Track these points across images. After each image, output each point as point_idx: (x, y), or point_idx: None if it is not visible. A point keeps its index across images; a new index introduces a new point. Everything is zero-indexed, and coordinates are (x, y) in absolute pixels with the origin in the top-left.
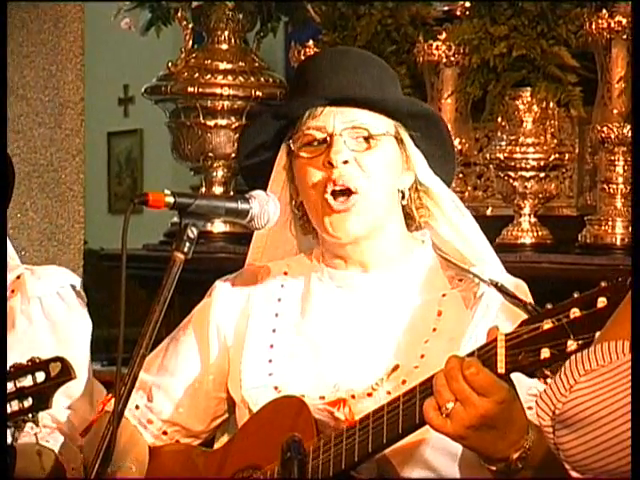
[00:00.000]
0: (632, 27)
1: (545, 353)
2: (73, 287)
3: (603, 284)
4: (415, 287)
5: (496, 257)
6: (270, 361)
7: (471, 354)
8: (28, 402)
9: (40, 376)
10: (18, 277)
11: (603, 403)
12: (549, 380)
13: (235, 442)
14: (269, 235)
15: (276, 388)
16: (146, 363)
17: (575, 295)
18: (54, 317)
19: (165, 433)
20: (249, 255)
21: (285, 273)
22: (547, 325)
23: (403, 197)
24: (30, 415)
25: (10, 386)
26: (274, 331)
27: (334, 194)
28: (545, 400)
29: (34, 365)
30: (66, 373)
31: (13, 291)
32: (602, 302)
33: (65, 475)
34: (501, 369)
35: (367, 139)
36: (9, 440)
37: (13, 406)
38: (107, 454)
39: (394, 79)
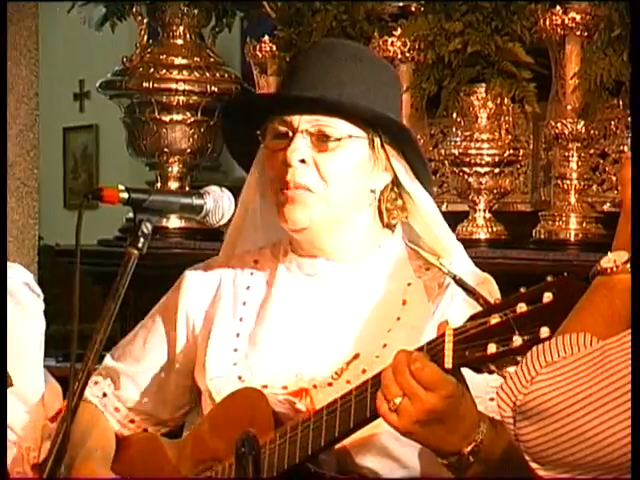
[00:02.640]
0: (632, 25)
1: (491, 348)
2: (26, 284)
3: (549, 279)
4: (381, 276)
5: (466, 254)
6: (235, 350)
7: (420, 349)
8: None
9: None
10: None
11: (564, 395)
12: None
13: (197, 433)
14: (244, 224)
15: (240, 378)
16: (115, 351)
17: (522, 290)
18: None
19: (132, 421)
20: (224, 244)
21: (255, 262)
22: (494, 320)
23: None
24: None
25: None
26: (241, 320)
27: (286, 188)
28: (506, 391)
29: None
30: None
31: None
32: (548, 297)
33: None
34: (448, 364)
35: (329, 140)
36: None
37: None
38: (61, 450)
39: (382, 81)
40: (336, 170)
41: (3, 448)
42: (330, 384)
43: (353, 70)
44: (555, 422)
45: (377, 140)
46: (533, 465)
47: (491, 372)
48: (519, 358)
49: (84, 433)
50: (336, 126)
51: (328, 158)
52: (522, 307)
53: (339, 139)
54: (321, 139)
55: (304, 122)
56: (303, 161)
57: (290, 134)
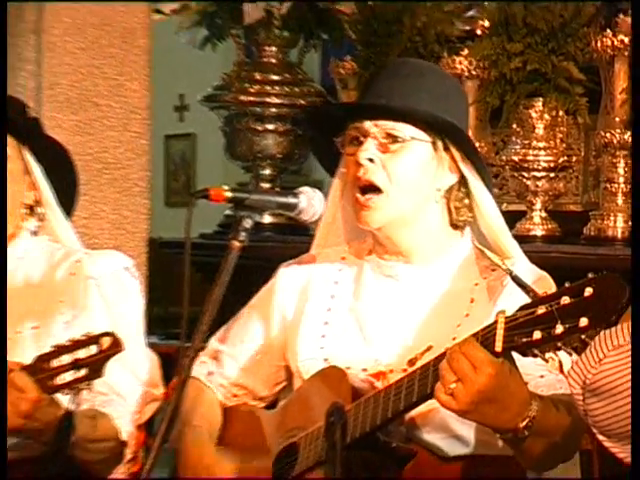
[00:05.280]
0: (632, 25)
1: (537, 335)
2: (126, 268)
3: (590, 275)
4: (452, 277)
5: (522, 254)
6: (323, 336)
7: (475, 334)
8: (83, 372)
9: (93, 349)
10: (77, 261)
11: (629, 376)
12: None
13: (288, 406)
14: (332, 224)
15: (326, 360)
16: (219, 335)
17: (566, 284)
18: (108, 297)
19: (235, 396)
20: (315, 241)
21: (343, 258)
22: (541, 310)
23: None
24: (85, 383)
25: (67, 358)
26: (329, 310)
27: (363, 191)
28: (576, 371)
29: (88, 339)
30: (116, 346)
31: (73, 273)
32: (588, 292)
33: (119, 437)
34: (498, 347)
35: (395, 142)
36: (69, 406)
37: (69, 376)
38: (172, 419)
39: (447, 93)
40: (400, 169)
41: (3, 447)
42: (405, 370)
43: (418, 83)
44: (620, 400)
45: (440, 143)
46: (600, 437)
47: (535, 356)
48: (559, 344)
49: (191, 409)
50: (401, 129)
51: (393, 158)
52: (565, 300)
53: (403, 141)
54: (387, 141)
55: (373, 127)
56: (372, 160)
57: (362, 139)
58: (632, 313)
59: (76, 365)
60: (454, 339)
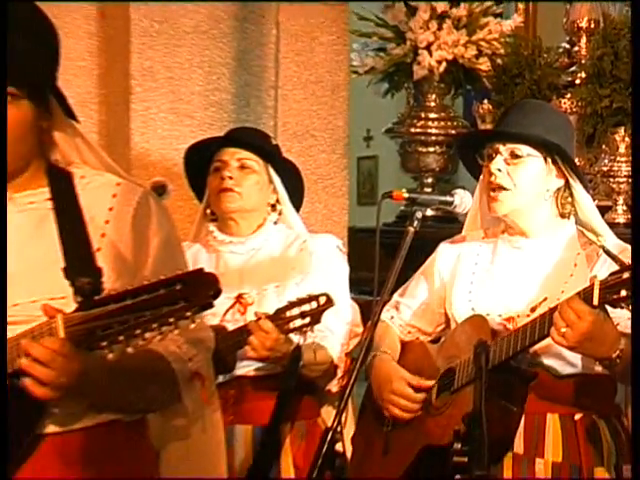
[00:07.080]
0: (632, 26)
1: (623, 293)
2: (337, 246)
3: None
4: (561, 248)
5: (611, 232)
6: (470, 292)
7: (578, 293)
8: (307, 320)
9: (313, 304)
10: (304, 241)
11: None
12: None
13: (447, 341)
14: (476, 215)
15: (472, 309)
16: (400, 291)
17: None
18: (325, 265)
19: (409, 332)
20: (465, 226)
21: (482, 237)
22: (626, 275)
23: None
24: (309, 328)
25: (296, 311)
26: (473, 273)
27: (493, 190)
28: None
29: (310, 298)
30: (329, 302)
31: (302, 249)
32: None
33: (333, 361)
34: (595, 302)
35: (516, 157)
36: (299, 342)
37: (297, 323)
38: (367, 349)
39: (557, 124)
40: (520, 175)
41: (3, 446)
42: (528, 315)
43: (535, 116)
44: None
45: (549, 158)
46: None
47: (622, 308)
48: None
49: (380, 340)
50: (521, 149)
51: (515, 168)
52: None
53: (522, 156)
54: (512, 157)
55: (502, 147)
56: (500, 170)
57: (494, 155)
58: (632, 312)
59: (302, 315)
60: (562, 292)
